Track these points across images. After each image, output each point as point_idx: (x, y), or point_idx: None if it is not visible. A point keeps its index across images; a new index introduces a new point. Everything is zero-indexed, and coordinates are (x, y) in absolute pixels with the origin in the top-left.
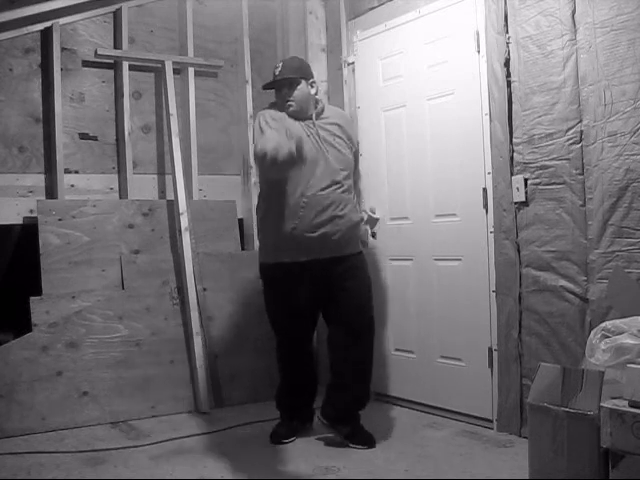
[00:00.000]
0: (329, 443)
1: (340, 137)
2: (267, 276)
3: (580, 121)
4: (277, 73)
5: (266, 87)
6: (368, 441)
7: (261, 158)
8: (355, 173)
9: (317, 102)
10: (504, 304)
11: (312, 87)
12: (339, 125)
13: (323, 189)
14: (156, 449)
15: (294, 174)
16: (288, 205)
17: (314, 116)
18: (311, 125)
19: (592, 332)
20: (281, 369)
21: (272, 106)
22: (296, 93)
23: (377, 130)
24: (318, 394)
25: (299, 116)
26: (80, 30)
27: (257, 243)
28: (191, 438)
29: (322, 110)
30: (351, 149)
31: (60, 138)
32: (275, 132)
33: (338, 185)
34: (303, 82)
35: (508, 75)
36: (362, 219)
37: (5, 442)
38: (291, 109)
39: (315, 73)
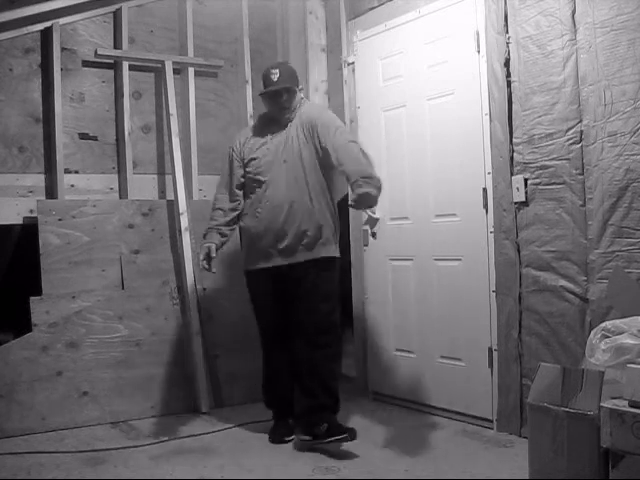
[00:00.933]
0: (329, 443)
1: (300, 137)
2: (246, 279)
3: (580, 121)
4: (275, 80)
5: (264, 94)
6: (348, 430)
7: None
8: (327, 146)
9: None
10: (504, 304)
11: (300, 93)
12: (300, 129)
13: (279, 197)
14: (156, 449)
15: (251, 184)
16: (250, 210)
17: (287, 126)
18: (283, 130)
19: (592, 332)
20: (264, 372)
21: (261, 118)
22: (289, 102)
23: (377, 130)
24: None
25: (287, 122)
26: (80, 30)
27: None
28: (191, 438)
29: (292, 118)
30: (314, 146)
31: (60, 138)
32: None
33: (296, 191)
34: (296, 89)
35: (508, 75)
36: (320, 225)
37: (5, 442)
38: (287, 116)
39: (315, 73)
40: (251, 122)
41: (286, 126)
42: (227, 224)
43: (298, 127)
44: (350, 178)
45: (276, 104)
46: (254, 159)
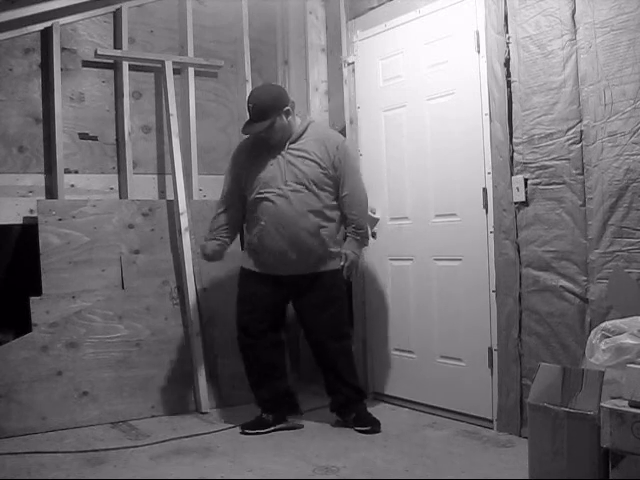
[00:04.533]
0: (329, 442)
1: (312, 160)
2: (241, 277)
3: (580, 121)
4: (251, 117)
5: (246, 132)
6: (372, 424)
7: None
8: (343, 190)
9: (292, 127)
10: (504, 304)
11: (288, 115)
12: (312, 151)
13: (282, 211)
14: (156, 449)
15: (254, 195)
16: (253, 223)
17: (286, 145)
18: (281, 150)
19: (592, 332)
20: (245, 363)
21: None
22: (273, 132)
23: (377, 130)
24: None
25: (278, 144)
26: (80, 30)
27: None
28: (191, 438)
29: (296, 138)
30: (327, 171)
31: (60, 138)
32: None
33: (299, 207)
34: (277, 118)
35: (508, 75)
36: (326, 242)
37: (5, 442)
38: (272, 142)
39: (315, 73)
40: None
41: (285, 145)
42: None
43: (304, 152)
44: (347, 222)
45: (259, 135)
46: (259, 175)
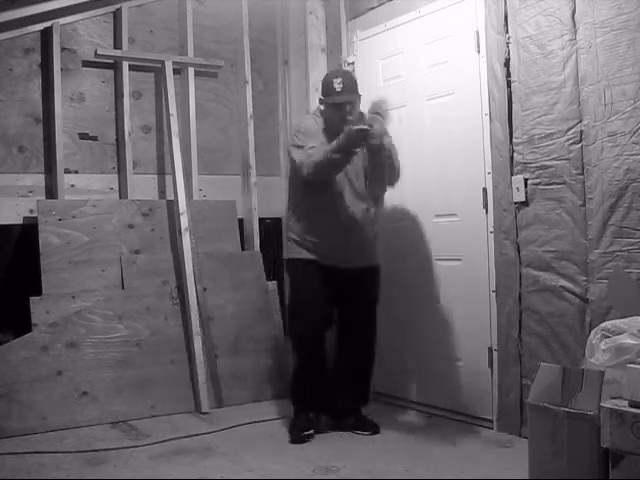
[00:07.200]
0: (329, 443)
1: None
2: (301, 271)
3: (580, 121)
4: (339, 90)
5: (330, 103)
6: (372, 428)
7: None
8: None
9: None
10: (504, 304)
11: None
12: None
13: (351, 204)
14: (156, 449)
15: (328, 190)
16: (325, 212)
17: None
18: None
19: (592, 332)
20: (299, 361)
21: (314, 116)
22: (354, 110)
23: None
24: None
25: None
26: (80, 30)
27: (257, 242)
28: (191, 438)
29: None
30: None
31: (60, 138)
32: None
33: (363, 198)
34: (360, 100)
35: (508, 75)
36: (377, 234)
37: (5, 442)
38: (345, 124)
39: (315, 73)
40: (251, 122)
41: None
42: None
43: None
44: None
45: (338, 115)
46: None
